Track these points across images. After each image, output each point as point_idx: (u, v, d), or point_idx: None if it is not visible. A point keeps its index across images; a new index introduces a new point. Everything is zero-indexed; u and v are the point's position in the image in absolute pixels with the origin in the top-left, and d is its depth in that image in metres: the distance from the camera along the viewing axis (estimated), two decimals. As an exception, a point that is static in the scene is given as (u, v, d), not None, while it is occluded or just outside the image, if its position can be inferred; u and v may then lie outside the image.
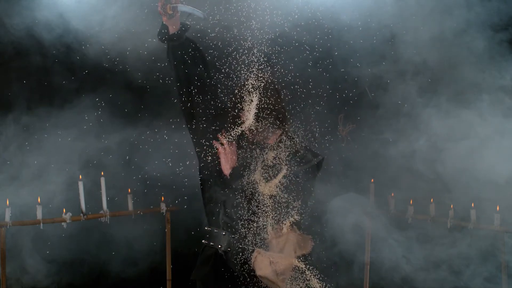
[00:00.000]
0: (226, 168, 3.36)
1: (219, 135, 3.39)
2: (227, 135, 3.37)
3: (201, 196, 3.52)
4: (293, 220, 3.34)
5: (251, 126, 3.35)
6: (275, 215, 3.32)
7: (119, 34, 4.37)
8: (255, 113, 3.31)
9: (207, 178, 3.42)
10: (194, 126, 3.40)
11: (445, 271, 4.71)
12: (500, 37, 4.58)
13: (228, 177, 3.34)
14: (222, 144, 3.38)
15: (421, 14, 4.64)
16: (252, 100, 3.31)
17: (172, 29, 3.31)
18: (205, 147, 3.39)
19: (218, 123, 3.41)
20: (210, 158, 3.39)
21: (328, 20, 4.57)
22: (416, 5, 4.62)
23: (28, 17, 4.55)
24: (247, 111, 3.33)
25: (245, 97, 3.32)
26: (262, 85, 3.31)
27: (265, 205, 3.31)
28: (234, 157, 3.37)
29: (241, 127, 3.35)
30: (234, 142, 3.39)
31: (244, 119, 3.34)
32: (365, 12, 4.64)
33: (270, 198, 3.31)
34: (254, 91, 3.30)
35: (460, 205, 4.63)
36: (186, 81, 3.35)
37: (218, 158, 3.38)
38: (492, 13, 4.56)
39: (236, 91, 3.38)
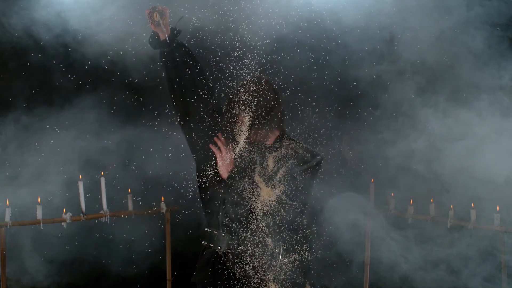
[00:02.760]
0: (224, 172, 3.32)
1: (215, 138, 3.36)
2: (224, 137, 3.34)
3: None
4: (296, 258, 3.29)
5: (242, 152, 3.31)
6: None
7: (119, 33, 4.37)
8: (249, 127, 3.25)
9: (205, 180, 3.41)
10: (188, 129, 3.38)
11: (445, 271, 4.70)
12: (499, 36, 4.57)
13: (226, 180, 3.31)
14: (218, 147, 3.34)
15: (420, 14, 4.64)
16: (242, 121, 3.26)
17: (163, 36, 3.31)
18: (200, 150, 3.37)
19: (214, 125, 3.38)
20: (206, 160, 3.37)
21: (329, 22, 4.57)
22: (416, 6, 4.62)
23: (26, 16, 4.55)
24: (237, 133, 3.29)
25: (235, 118, 3.25)
26: (255, 101, 3.23)
27: (262, 231, 3.27)
28: (231, 159, 3.34)
29: (230, 154, 3.33)
30: (231, 145, 3.35)
31: (235, 144, 3.32)
32: (364, 13, 4.64)
33: (265, 217, 3.26)
34: (246, 108, 3.24)
35: (460, 205, 4.63)
36: (179, 85, 3.34)
37: (215, 160, 3.36)
38: (491, 12, 4.56)
39: (224, 109, 3.32)
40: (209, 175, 3.37)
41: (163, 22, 3.25)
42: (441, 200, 4.71)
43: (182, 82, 3.33)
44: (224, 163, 3.32)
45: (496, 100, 4.46)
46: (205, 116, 3.36)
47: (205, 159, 3.38)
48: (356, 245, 4.94)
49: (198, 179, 3.45)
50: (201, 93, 3.35)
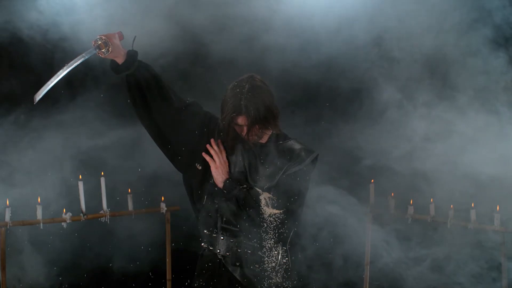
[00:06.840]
0: (219, 181, 3.23)
1: (208, 146, 3.28)
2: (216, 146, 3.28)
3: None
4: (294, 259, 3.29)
5: (237, 157, 3.27)
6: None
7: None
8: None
9: (195, 195, 3.33)
10: (171, 152, 3.30)
11: (444, 271, 4.71)
12: (484, 34, 4.57)
13: (222, 189, 3.23)
14: (211, 156, 3.26)
15: (406, 14, 4.65)
16: (238, 122, 3.16)
17: (120, 60, 3.19)
18: (187, 167, 3.31)
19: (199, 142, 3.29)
20: (195, 176, 3.30)
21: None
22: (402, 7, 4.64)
23: (26, 16, 4.56)
24: (235, 136, 3.23)
25: (232, 120, 3.15)
26: (250, 100, 3.10)
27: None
28: (226, 166, 3.26)
29: (225, 163, 3.28)
30: (224, 152, 3.28)
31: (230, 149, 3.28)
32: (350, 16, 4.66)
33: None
34: (241, 108, 3.11)
35: (460, 205, 4.63)
36: (144, 106, 3.23)
37: (208, 170, 3.27)
38: (471, 10, 4.56)
39: (220, 112, 3.20)
40: (203, 187, 3.30)
41: (111, 49, 3.14)
42: (441, 200, 4.71)
43: (146, 102, 3.23)
44: (218, 173, 3.24)
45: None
46: (187, 135, 3.28)
47: (194, 175, 3.31)
48: (356, 245, 4.94)
49: (189, 195, 3.38)
50: (170, 111, 3.25)
